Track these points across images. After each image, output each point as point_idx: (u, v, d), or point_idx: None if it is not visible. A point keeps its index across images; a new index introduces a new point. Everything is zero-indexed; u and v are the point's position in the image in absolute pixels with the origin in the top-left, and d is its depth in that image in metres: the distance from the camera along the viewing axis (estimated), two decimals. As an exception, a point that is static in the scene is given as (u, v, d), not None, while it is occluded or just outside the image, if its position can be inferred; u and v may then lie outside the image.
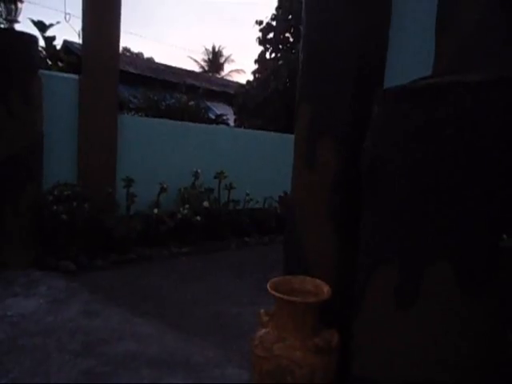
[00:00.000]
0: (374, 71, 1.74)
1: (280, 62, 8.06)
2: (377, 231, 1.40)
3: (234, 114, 9.17)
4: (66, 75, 4.50)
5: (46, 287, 3.50)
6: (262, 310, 1.66)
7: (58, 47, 4.96)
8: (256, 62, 8.60)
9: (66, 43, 8.72)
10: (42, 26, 4.31)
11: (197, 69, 23.27)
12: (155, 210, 4.82)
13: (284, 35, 8.34)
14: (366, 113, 1.72)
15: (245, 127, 7.80)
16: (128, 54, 19.54)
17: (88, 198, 4.22)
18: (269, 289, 1.57)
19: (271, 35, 8.45)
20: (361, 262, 1.50)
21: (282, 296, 1.46)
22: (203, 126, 6.27)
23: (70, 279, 3.75)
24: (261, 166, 6.41)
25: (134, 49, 25.15)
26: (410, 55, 1.69)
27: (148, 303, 3.35)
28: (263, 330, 1.59)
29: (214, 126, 6.95)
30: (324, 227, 1.80)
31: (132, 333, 2.77)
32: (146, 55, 22.10)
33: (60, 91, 4.37)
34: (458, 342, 1.18)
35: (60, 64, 4.58)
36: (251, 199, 5.96)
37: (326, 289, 1.57)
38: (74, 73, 4.65)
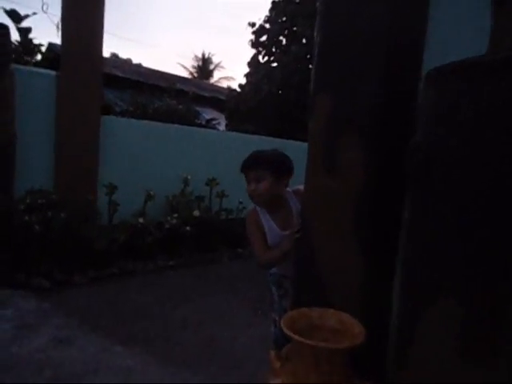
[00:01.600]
0: (410, 50, 1.41)
1: (274, 65, 7.76)
2: (432, 250, 1.05)
3: (226, 118, 8.83)
4: (42, 71, 4.11)
5: (13, 309, 3.06)
6: (273, 352, 1.29)
7: (35, 42, 4.55)
8: (248, 64, 8.28)
9: (51, 46, 8.23)
10: (15, 17, 3.90)
11: (186, 75, 22.96)
12: (140, 220, 4.41)
13: (278, 38, 8.06)
14: (401, 100, 1.39)
15: (237, 132, 7.46)
16: (116, 59, 19.12)
17: (65, 207, 3.80)
18: (283, 327, 1.20)
19: (264, 38, 8.16)
20: (406, 293, 1.14)
21: (303, 340, 1.10)
22: (194, 129, 5.91)
23: (42, 299, 3.32)
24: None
25: (123, 55, 24.78)
26: (454, 32, 1.37)
27: (130, 327, 2.94)
28: (276, 381, 1.22)
29: (206, 129, 6.58)
30: (347, 245, 1.45)
31: (110, 365, 2.37)
32: (134, 61, 21.70)
33: (35, 88, 3.96)
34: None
35: (38, 58, 4.17)
36: (244, 208, 5.59)
37: (357, 328, 1.21)
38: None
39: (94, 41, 4.27)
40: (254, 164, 1.78)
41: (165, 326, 3.02)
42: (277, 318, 1.97)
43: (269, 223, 1.81)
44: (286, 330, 1.19)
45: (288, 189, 1.86)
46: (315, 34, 1.62)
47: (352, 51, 1.42)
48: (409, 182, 1.12)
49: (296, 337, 1.13)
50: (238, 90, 8.62)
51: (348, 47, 1.43)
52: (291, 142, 6.30)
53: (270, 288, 2.03)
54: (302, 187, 1.91)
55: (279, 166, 1.80)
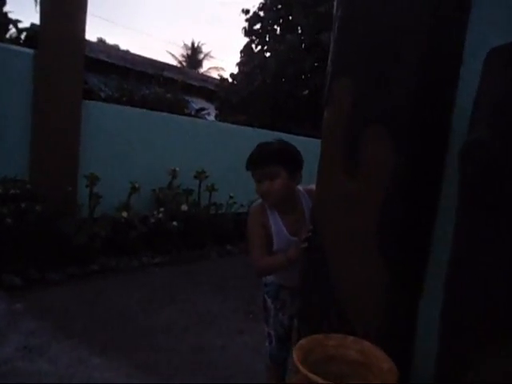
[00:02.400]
0: (452, 33, 1.17)
1: (267, 55, 7.47)
2: (497, 278, 0.83)
3: (216, 109, 8.52)
4: (17, 48, 3.76)
5: (-21, 311, 2.77)
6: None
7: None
8: (241, 52, 7.97)
9: (33, 26, 7.67)
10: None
11: (175, 64, 22.40)
12: (124, 214, 4.13)
13: (272, 27, 7.76)
14: (440, 89, 1.16)
15: (228, 123, 7.18)
16: (102, 44, 18.44)
17: (41, 198, 3.49)
18: (296, 362, 0.97)
19: (258, 26, 7.84)
20: (453, 328, 0.93)
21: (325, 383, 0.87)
22: (183, 118, 5.60)
23: (14, 299, 3.03)
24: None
25: (110, 41, 24.06)
26: (496, 17, 1.14)
27: (110, 332, 2.68)
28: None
29: (195, 119, 6.28)
30: (369, 258, 1.22)
31: (85, 379, 2.11)
32: (121, 48, 21.01)
33: (11, 67, 3.61)
34: None
35: (13, 33, 3.80)
36: (235, 202, 5.35)
37: (386, 364, 0.99)
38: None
39: (76, 20, 3.92)
40: (264, 160, 1.51)
41: (148, 331, 2.77)
42: (272, 333, 1.74)
43: (277, 225, 1.56)
44: (300, 367, 0.96)
45: (299, 187, 1.62)
46: (335, 4, 1.37)
47: (385, 28, 1.18)
48: (463, 191, 0.89)
49: (317, 378, 0.90)
50: (230, 79, 8.31)
51: (379, 23, 1.19)
52: (286, 135, 6.05)
53: (264, 299, 1.77)
54: (312, 186, 1.68)
55: (293, 159, 1.56)
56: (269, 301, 1.73)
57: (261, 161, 1.52)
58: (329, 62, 1.39)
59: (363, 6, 1.25)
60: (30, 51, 3.74)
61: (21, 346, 2.35)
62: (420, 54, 1.15)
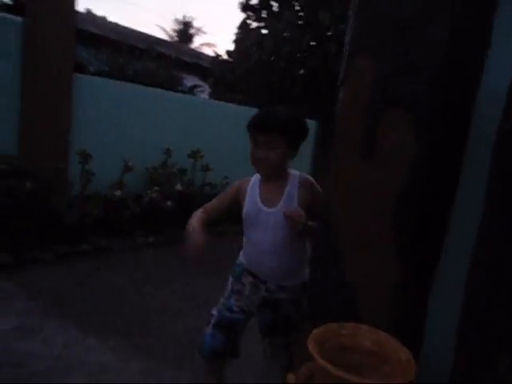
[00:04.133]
0: (482, 4, 1.10)
1: (264, 32, 7.27)
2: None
3: (210, 87, 8.33)
4: (2, 14, 3.54)
5: (-31, 290, 2.70)
6: (290, 375, 1.04)
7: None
8: (238, 28, 7.74)
9: None
10: None
11: (166, 38, 21.77)
12: (117, 192, 4.03)
13: (269, 2, 7.53)
14: (468, 70, 1.10)
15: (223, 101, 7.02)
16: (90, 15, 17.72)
17: (31, 175, 3.37)
18: (311, 351, 0.93)
19: (255, 1, 7.60)
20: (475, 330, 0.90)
21: (346, 376, 0.84)
22: (178, 95, 5.45)
23: (4, 277, 2.96)
24: (242, 146, 5.68)
25: (97, 12, 23.19)
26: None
27: (104, 314, 2.64)
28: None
29: (191, 96, 6.12)
30: (383, 249, 1.18)
31: (82, 361, 2.08)
32: (109, 20, 20.24)
33: (-3, 36, 3.42)
34: None
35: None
36: (228, 183, 5.28)
37: (404, 354, 0.96)
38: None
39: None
40: (268, 126, 1.41)
41: (143, 313, 2.74)
42: (214, 314, 1.61)
43: (253, 194, 1.51)
44: (316, 357, 0.93)
45: (296, 172, 1.53)
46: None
47: (412, 3, 1.10)
48: (493, 182, 0.84)
49: (336, 371, 0.87)
50: (225, 56, 8.10)
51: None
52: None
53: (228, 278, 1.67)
54: (311, 179, 1.58)
55: (297, 134, 1.47)
56: (230, 280, 1.63)
57: (266, 127, 1.42)
58: (347, 38, 1.32)
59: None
60: (18, 19, 3.54)
61: (14, 326, 2.30)
62: (448, 33, 1.08)
